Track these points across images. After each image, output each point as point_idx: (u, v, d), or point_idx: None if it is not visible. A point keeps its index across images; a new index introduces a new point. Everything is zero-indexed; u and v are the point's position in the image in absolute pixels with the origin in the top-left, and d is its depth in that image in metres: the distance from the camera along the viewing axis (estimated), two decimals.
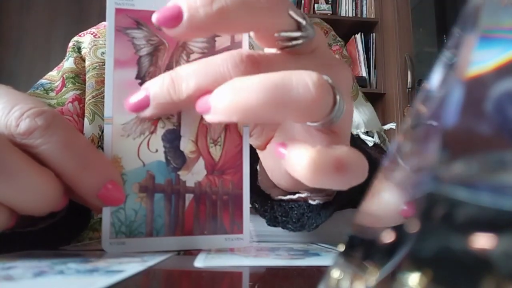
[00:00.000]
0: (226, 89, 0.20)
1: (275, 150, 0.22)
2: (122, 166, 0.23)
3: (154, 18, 0.21)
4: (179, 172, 0.24)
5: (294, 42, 0.22)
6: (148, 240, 0.23)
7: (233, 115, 0.20)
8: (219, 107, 0.20)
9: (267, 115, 0.20)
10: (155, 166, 0.23)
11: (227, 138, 0.25)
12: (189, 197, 0.24)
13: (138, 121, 0.24)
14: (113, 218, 0.23)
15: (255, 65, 0.21)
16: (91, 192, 0.21)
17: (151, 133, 0.24)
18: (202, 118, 0.24)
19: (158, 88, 0.22)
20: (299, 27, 0.22)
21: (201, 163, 0.24)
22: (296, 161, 0.20)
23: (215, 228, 0.24)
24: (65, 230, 0.32)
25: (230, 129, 0.25)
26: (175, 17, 0.20)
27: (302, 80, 0.19)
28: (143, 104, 0.22)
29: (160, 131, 0.24)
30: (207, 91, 0.21)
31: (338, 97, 0.21)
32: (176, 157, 0.24)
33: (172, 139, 0.24)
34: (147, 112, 0.23)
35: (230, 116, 0.20)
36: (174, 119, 0.24)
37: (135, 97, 0.22)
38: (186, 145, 0.24)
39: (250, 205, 0.25)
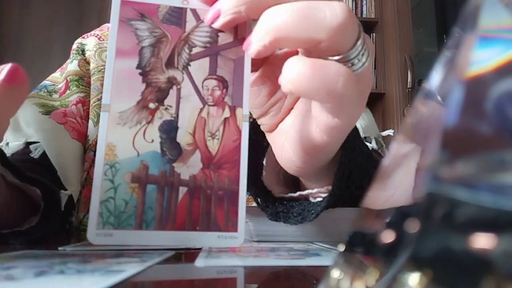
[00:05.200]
0: (264, 16, 0.22)
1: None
2: (116, 154, 0.23)
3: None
4: (174, 164, 0.23)
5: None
6: (137, 233, 0.22)
7: (267, 35, 0.22)
8: (258, 34, 0.23)
9: (294, 35, 0.21)
10: (149, 156, 0.23)
11: (225, 132, 0.24)
12: (183, 190, 0.23)
13: (135, 110, 0.23)
14: (101, 207, 0.22)
15: None
16: None
17: (148, 122, 0.23)
18: (200, 110, 0.24)
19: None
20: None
21: (197, 156, 0.24)
22: (283, 68, 0.22)
23: (208, 225, 0.23)
24: (52, 222, 0.33)
25: (229, 123, 0.24)
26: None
27: (331, 5, 0.21)
28: (216, 15, 0.24)
29: (157, 121, 0.23)
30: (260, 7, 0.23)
31: (362, 35, 0.22)
32: (172, 148, 0.23)
33: (169, 130, 0.24)
34: (219, 22, 0.24)
35: (264, 37, 0.22)
36: (172, 110, 0.24)
37: (210, 12, 0.25)
38: (183, 137, 0.24)
39: (250, 202, 0.25)
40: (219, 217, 0.23)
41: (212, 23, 0.25)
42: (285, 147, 0.29)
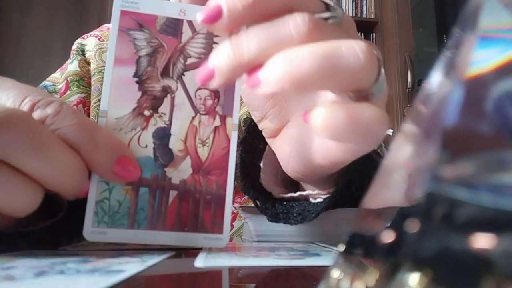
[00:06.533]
0: (279, 59, 0.20)
1: (303, 116, 0.23)
2: None
3: (199, 18, 0.21)
4: (166, 169, 0.25)
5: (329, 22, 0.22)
6: (129, 232, 0.24)
7: (285, 83, 0.20)
8: (272, 77, 0.20)
9: (317, 84, 0.20)
10: (143, 161, 0.24)
11: (215, 140, 0.25)
12: (173, 193, 0.25)
13: (131, 117, 0.24)
14: (97, 207, 0.23)
15: (316, 27, 0.21)
16: (105, 169, 0.22)
17: (143, 129, 0.25)
18: (192, 119, 0.25)
19: (220, 57, 0.21)
20: (327, 8, 0.23)
21: (188, 161, 0.25)
22: (315, 115, 0.20)
23: (196, 226, 0.25)
24: (66, 229, 0.32)
25: (219, 132, 0.26)
26: (216, 15, 0.21)
27: (352, 48, 0.20)
28: (210, 75, 0.21)
29: (151, 128, 0.25)
30: (261, 63, 0.20)
31: (382, 69, 0.21)
32: (164, 154, 0.25)
33: (162, 136, 0.25)
34: (215, 83, 0.21)
35: (282, 85, 0.20)
36: (165, 118, 0.25)
37: (202, 71, 0.21)
38: (175, 143, 0.25)
39: (250, 203, 0.25)
40: (206, 220, 0.25)
41: (204, 84, 0.21)
42: (293, 156, 0.29)
